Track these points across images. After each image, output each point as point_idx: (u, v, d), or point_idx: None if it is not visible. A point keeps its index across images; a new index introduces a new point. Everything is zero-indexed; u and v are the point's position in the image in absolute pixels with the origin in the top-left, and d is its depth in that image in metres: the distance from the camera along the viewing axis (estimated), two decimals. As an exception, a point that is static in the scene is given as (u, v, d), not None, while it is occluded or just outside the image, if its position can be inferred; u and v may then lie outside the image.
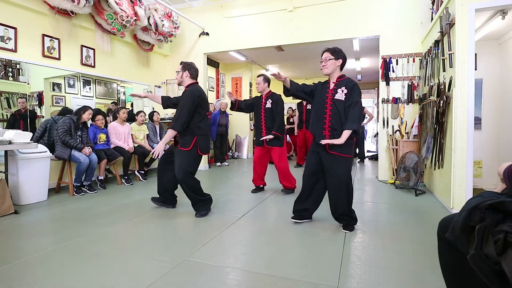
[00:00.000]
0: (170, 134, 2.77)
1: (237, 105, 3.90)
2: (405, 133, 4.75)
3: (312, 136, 2.68)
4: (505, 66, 4.11)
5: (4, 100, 3.88)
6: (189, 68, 2.90)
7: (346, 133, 2.39)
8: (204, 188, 3.03)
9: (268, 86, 3.91)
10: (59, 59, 4.28)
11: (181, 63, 2.96)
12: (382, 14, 4.93)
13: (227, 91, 3.99)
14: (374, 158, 7.47)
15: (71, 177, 3.93)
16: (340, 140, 2.39)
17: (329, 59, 2.52)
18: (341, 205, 2.52)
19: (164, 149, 2.90)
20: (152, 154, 2.83)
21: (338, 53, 2.53)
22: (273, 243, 2.38)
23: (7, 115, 3.89)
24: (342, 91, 2.48)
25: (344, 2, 5.11)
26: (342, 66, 2.57)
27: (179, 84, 2.98)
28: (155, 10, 5.15)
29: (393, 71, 4.88)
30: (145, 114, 5.27)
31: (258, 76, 3.86)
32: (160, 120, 5.67)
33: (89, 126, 4.37)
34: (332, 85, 2.56)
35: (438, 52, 3.71)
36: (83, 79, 4.90)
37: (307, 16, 5.33)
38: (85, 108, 4.08)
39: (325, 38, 5.26)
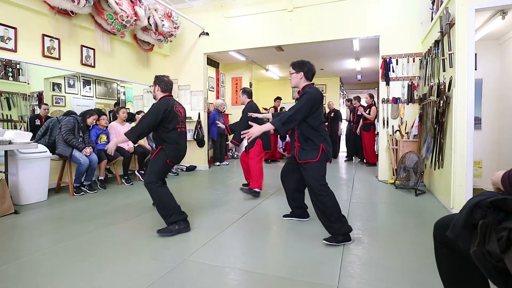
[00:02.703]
0: (124, 139, 2.69)
1: (229, 131, 4.20)
2: (405, 133, 4.75)
3: None
4: (505, 66, 4.11)
5: (4, 100, 3.89)
6: (159, 82, 2.82)
7: (265, 125, 2.40)
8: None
9: (249, 97, 4.03)
10: (59, 59, 4.27)
11: (154, 77, 2.91)
12: (382, 14, 4.93)
13: (219, 125, 4.32)
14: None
15: (71, 177, 3.93)
16: (253, 129, 2.37)
17: (291, 73, 2.59)
18: (316, 212, 2.40)
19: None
20: (106, 150, 2.72)
21: (299, 67, 2.56)
22: (273, 243, 2.39)
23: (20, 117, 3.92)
24: None
25: (344, 2, 5.11)
26: (308, 77, 2.56)
27: (154, 98, 2.92)
28: (155, 10, 5.15)
29: (393, 71, 4.88)
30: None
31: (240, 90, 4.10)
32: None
33: (91, 128, 4.38)
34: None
35: (438, 52, 3.71)
36: (83, 79, 4.90)
37: (307, 16, 5.33)
38: (91, 113, 4.16)
39: (325, 38, 5.26)
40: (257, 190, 3.76)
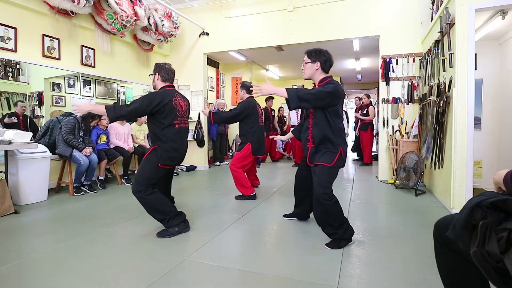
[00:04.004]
0: (101, 110, 2.34)
1: (212, 118, 3.52)
2: (405, 133, 4.75)
3: None
4: (505, 66, 4.11)
5: (4, 100, 3.89)
6: (160, 70, 2.56)
7: (279, 89, 2.11)
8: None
9: (248, 92, 3.79)
10: (59, 59, 4.27)
11: (154, 65, 2.65)
12: (382, 14, 4.93)
13: (203, 110, 3.69)
14: (374, 158, 7.47)
15: (71, 177, 3.92)
16: (264, 86, 2.13)
17: (306, 63, 2.31)
18: (318, 220, 2.30)
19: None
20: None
21: (316, 56, 2.28)
22: (273, 243, 2.39)
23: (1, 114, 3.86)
24: None
25: (344, 2, 5.11)
26: (325, 69, 2.30)
27: (154, 88, 2.64)
28: (155, 10, 5.15)
29: (393, 71, 4.88)
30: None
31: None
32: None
33: (91, 128, 4.39)
34: None
35: (438, 52, 3.71)
36: (83, 79, 4.90)
37: (307, 16, 5.33)
38: (94, 117, 4.17)
39: (325, 38, 5.26)
40: (251, 194, 3.66)
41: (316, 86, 2.32)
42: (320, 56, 2.28)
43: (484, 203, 0.88)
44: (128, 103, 2.45)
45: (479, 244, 0.84)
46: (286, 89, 2.11)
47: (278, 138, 3.13)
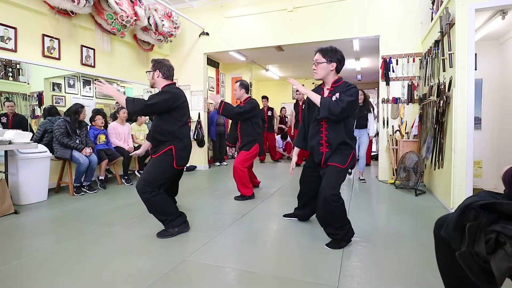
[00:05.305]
0: (122, 100, 2.28)
1: (222, 108, 3.52)
2: (405, 133, 4.75)
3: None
4: (505, 66, 4.11)
5: (4, 100, 3.88)
6: (161, 66, 2.43)
7: (315, 95, 2.14)
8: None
9: (247, 92, 3.77)
10: (59, 59, 4.27)
11: (152, 61, 2.50)
12: (382, 14, 4.93)
13: (213, 96, 3.61)
14: (374, 158, 7.47)
15: (71, 177, 3.92)
16: (301, 86, 2.22)
17: (320, 63, 2.17)
18: (321, 220, 2.27)
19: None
20: (96, 83, 2.24)
21: (331, 55, 2.16)
22: (273, 243, 2.39)
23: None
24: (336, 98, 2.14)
25: (344, 2, 5.11)
26: (338, 69, 2.20)
27: (152, 86, 2.55)
28: (155, 10, 5.15)
29: (393, 71, 4.88)
30: (145, 114, 5.27)
31: (236, 82, 3.79)
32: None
33: (88, 127, 4.36)
34: (326, 92, 2.23)
35: (438, 52, 3.71)
36: (83, 79, 4.90)
37: (307, 16, 5.33)
38: (77, 111, 3.95)
39: (325, 38, 5.26)
40: (251, 195, 3.66)
41: (329, 88, 2.24)
42: (336, 55, 2.17)
43: (474, 205, 0.89)
44: (147, 98, 2.38)
45: (469, 244, 0.86)
46: (322, 98, 2.10)
47: (292, 169, 2.57)
